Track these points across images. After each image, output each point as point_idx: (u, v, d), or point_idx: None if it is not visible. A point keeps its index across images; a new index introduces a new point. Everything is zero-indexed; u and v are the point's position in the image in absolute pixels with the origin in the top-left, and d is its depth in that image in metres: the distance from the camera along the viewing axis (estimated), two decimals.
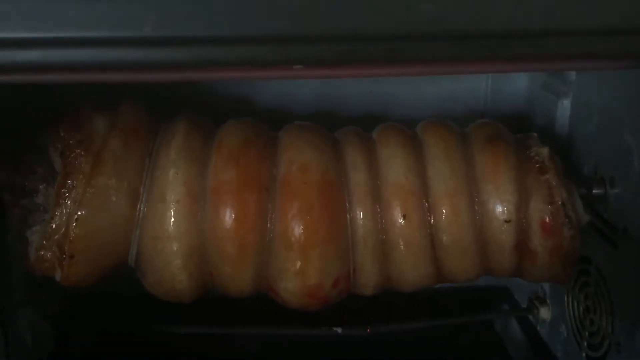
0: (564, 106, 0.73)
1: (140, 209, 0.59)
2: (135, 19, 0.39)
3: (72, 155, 0.57)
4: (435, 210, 0.60)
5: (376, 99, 0.82)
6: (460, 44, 0.42)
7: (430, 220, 0.60)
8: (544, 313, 0.77)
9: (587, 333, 0.68)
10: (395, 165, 0.61)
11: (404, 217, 0.60)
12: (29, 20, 0.39)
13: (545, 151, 0.62)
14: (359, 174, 0.61)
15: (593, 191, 0.64)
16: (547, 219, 0.60)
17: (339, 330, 0.70)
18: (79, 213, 0.56)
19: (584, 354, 0.68)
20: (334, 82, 0.80)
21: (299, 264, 0.58)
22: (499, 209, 0.60)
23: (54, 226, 0.57)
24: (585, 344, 0.68)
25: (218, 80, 0.74)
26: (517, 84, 0.83)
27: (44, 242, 0.57)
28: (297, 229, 0.58)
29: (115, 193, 0.58)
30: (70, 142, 0.58)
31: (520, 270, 0.63)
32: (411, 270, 0.61)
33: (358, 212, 0.60)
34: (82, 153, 0.57)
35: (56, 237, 0.57)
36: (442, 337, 0.82)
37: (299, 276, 0.58)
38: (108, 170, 0.57)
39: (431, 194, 0.60)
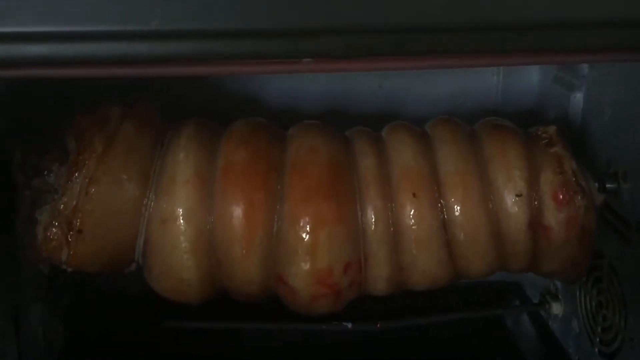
0: (577, 100, 0.72)
1: (149, 193, 0.60)
2: (143, 12, 0.39)
3: (86, 135, 0.59)
4: (445, 191, 0.60)
5: (386, 94, 0.81)
6: (471, 36, 0.42)
7: (440, 201, 0.60)
8: (556, 308, 0.77)
9: (599, 328, 0.67)
10: (403, 150, 0.62)
11: (414, 195, 0.59)
12: (38, 14, 0.39)
13: (552, 129, 0.62)
14: (367, 159, 0.61)
15: (606, 186, 0.63)
16: (559, 189, 0.60)
17: (349, 325, 0.70)
18: (90, 189, 0.57)
19: (596, 350, 0.68)
20: (343, 77, 0.80)
21: (308, 244, 0.57)
22: (509, 184, 0.60)
23: (63, 203, 0.58)
24: (598, 339, 0.67)
25: (227, 74, 0.74)
26: (528, 78, 0.82)
27: (53, 221, 0.58)
28: (306, 208, 0.58)
29: (126, 173, 0.59)
30: (85, 123, 0.59)
31: (537, 257, 0.62)
32: (423, 255, 0.60)
33: (367, 195, 0.60)
34: (96, 133, 0.59)
35: (66, 212, 0.57)
36: (453, 333, 0.81)
37: (308, 257, 0.58)
38: (120, 151, 0.59)
39: (440, 175, 0.60)
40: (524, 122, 0.67)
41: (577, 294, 0.72)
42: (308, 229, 0.57)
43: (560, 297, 0.77)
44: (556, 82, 0.76)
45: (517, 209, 0.60)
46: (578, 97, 0.72)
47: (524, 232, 0.60)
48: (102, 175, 0.58)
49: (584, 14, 0.43)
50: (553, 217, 0.60)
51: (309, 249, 0.58)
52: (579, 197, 0.59)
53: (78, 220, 0.57)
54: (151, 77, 0.43)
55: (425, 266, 0.61)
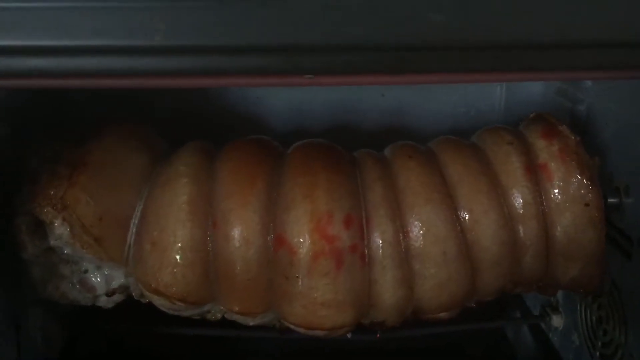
0: (579, 113, 0.72)
1: (156, 167, 0.63)
2: (146, 28, 0.39)
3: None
4: (438, 152, 0.63)
5: (389, 103, 0.82)
6: (470, 54, 0.42)
7: (434, 163, 0.62)
8: (556, 321, 0.76)
9: (599, 343, 0.67)
10: (400, 144, 0.66)
11: (410, 157, 0.62)
12: (43, 28, 0.40)
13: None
14: (365, 150, 0.66)
15: (608, 200, 0.63)
16: (545, 127, 0.63)
17: (349, 334, 0.70)
18: (103, 138, 0.62)
19: None
20: (346, 87, 0.80)
21: (308, 187, 0.58)
22: (500, 139, 0.63)
23: (74, 151, 0.60)
24: (598, 354, 0.67)
25: (227, 86, 0.74)
26: (531, 90, 0.82)
27: (60, 164, 0.59)
28: (306, 161, 0.60)
29: (138, 142, 0.64)
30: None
31: (545, 206, 0.61)
32: (425, 209, 0.59)
33: (364, 163, 0.63)
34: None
35: (75, 155, 0.59)
36: (453, 344, 0.81)
37: (308, 199, 0.57)
38: (137, 131, 0.65)
39: (434, 146, 0.65)
40: None
41: (578, 307, 0.72)
42: (307, 176, 0.59)
43: (560, 310, 0.77)
44: (559, 95, 0.76)
45: (511, 154, 0.62)
46: (581, 109, 0.72)
47: (522, 176, 0.61)
48: (116, 136, 0.63)
49: (581, 33, 0.43)
50: (547, 153, 0.61)
51: (308, 191, 0.57)
52: (565, 128, 0.62)
53: (86, 155, 0.60)
54: (151, 88, 0.44)
55: (429, 221, 0.59)
